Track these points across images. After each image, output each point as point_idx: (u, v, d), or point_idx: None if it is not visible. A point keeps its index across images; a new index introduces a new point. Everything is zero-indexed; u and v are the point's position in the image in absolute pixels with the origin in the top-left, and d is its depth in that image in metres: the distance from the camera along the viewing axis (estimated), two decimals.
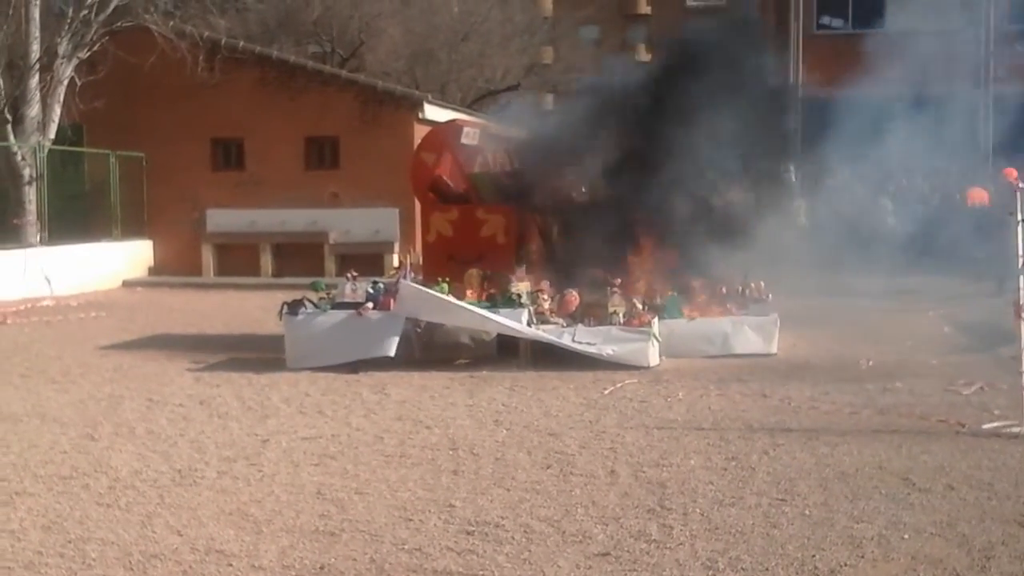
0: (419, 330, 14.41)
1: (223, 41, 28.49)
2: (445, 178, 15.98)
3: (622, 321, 14.13)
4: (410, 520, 7.69)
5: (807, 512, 7.72)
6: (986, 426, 10.28)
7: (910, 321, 17.97)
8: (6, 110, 25.33)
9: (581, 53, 55.06)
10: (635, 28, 71.56)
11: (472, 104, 42.50)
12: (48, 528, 7.60)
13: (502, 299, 14.28)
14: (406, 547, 7.11)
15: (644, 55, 66.49)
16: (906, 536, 7.21)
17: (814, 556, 6.85)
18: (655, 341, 14.05)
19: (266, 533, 7.43)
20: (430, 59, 44.61)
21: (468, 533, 7.37)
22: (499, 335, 14.27)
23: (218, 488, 8.60)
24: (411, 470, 9.09)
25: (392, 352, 13.95)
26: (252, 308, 20.86)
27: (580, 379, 13.10)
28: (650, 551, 7.01)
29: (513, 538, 7.27)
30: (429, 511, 7.89)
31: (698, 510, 7.84)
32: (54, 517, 7.85)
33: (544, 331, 14.01)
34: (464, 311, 14.03)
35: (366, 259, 25.52)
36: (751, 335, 14.76)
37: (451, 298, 14.13)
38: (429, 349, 14.59)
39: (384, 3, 43.76)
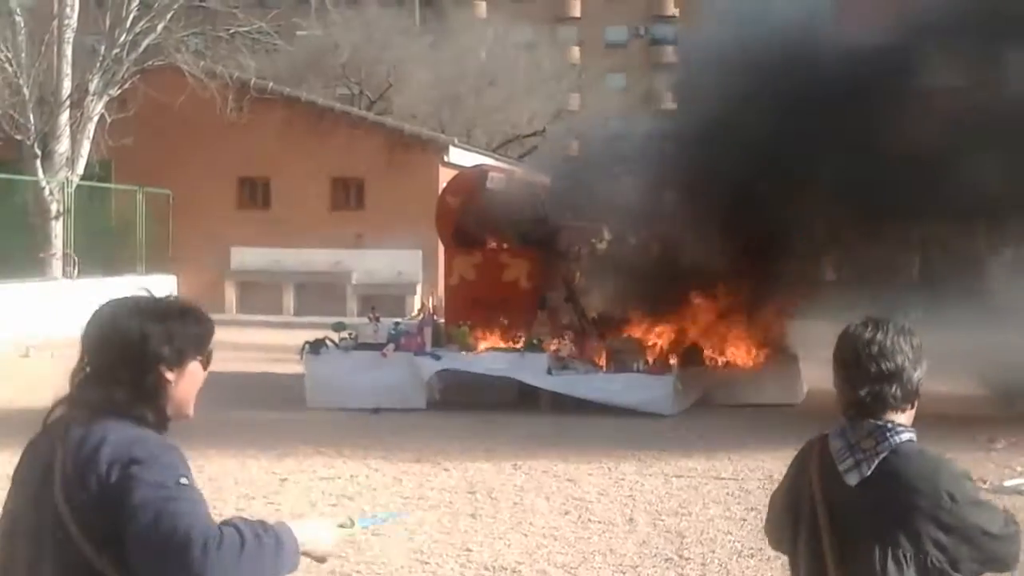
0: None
1: (252, 81, 28.74)
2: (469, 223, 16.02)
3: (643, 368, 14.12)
4: (427, 563, 7.67)
5: None
6: (1008, 483, 10.21)
7: None
8: (36, 145, 25.55)
9: (608, 100, 55.34)
10: (661, 77, 71.84)
11: (498, 148, 42.71)
12: None
13: (527, 345, 14.30)
14: None
15: (670, 103, 66.78)
16: None
17: None
18: (678, 388, 14.02)
19: None
20: (457, 103, 44.89)
21: None
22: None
23: None
24: (429, 512, 9.07)
25: (423, 404, 14.01)
26: (273, 346, 20.90)
27: (600, 425, 13.07)
28: None
29: None
30: (446, 555, 7.88)
31: (716, 561, 7.80)
32: None
33: (564, 379, 13.99)
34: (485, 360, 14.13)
35: (389, 300, 25.63)
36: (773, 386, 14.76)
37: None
38: (449, 391, 14.60)
39: (413, 47, 44.13)
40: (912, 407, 3.32)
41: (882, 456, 3.17)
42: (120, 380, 2.91)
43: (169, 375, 2.99)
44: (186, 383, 3.06)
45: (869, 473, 3.16)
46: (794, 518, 3.37)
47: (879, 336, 3.26)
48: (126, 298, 3.09)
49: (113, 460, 2.77)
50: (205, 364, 3.12)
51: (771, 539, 3.71)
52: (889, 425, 3.23)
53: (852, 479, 3.19)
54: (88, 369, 2.99)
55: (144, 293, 3.08)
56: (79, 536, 2.75)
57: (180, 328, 3.02)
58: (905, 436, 3.22)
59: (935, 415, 13.86)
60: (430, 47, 45.46)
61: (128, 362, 2.92)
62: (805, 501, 3.31)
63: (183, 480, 2.82)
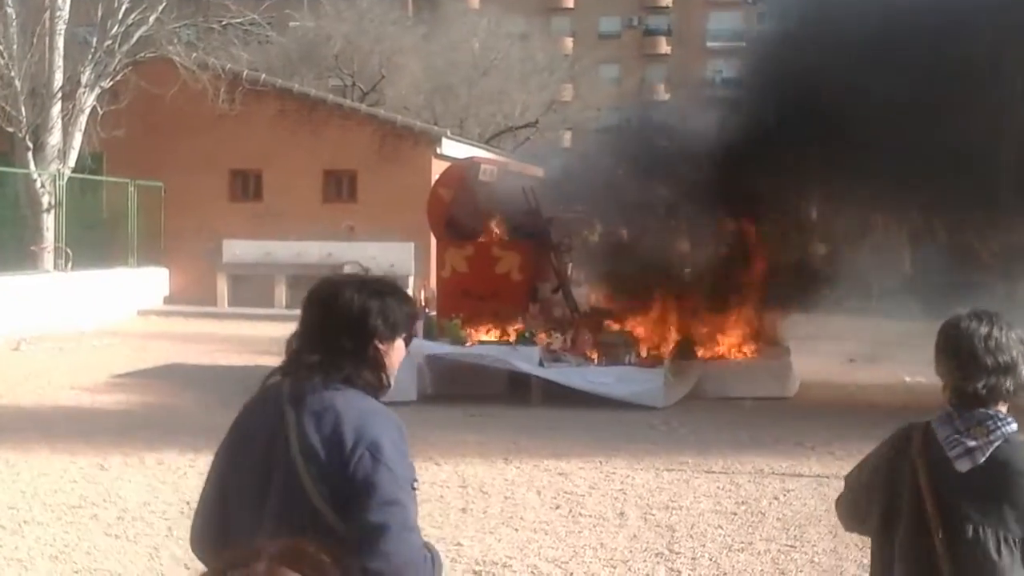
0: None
1: (244, 73, 28.65)
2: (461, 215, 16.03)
3: (634, 360, 14.14)
4: None
5: (816, 560, 7.69)
6: None
7: None
8: (27, 137, 25.46)
9: (601, 91, 55.31)
10: (654, 68, 71.86)
11: (490, 140, 42.68)
12: (56, 558, 7.61)
13: (519, 338, 14.31)
14: None
15: (662, 95, 66.81)
16: None
17: None
18: (669, 380, 14.03)
19: None
20: (449, 94, 44.84)
21: (475, 573, 7.36)
22: (511, 372, 14.28)
23: None
24: (420, 507, 9.03)
25: (414, 396, 14.02)
26: (266, 339, 20.84)
27: (591, 418, 13.08)
28: None
29: None
30: (437, 549, 7.87)
31: (707, 555, 7.81)
32: (62, 547, 7.86)
33: (556, 370, 14.00)
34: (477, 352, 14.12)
35: None
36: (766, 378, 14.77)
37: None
38: (440, 385, 14.59)
39: (405, 38, 44.05)
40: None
41: (995, 445, 3.30)
42: (343, 350, 3.19)
43: (382, 347, 3.26)
44: (394, 356, 3.33)
45: (983, 461, 3.29)
46: (887, 501, 3.48)
47: (994, 331, 3.39)
48: (348, 275, 3.47)
49: (357, 437, 3.07)
50: (407, 341, 3.38)
51: (849, 519, 3.82)
52: (999, 415, 3.37)
53: (963, 466, 3.32)
54: (309, 339, 3.25)
55: (361, 272, 3.39)
56: (312, 490, 3.04)
57: (395, 305, 3.30)
58: (1013, 426, 3.37)
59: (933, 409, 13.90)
60: (423, 38, 45.40)
61: (350, 333, 3.20)
62: (905, 485, 3.43)
63: (415, 484, 3.18)
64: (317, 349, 3.22)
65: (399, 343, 3.33)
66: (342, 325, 3.22)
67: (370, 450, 3.08)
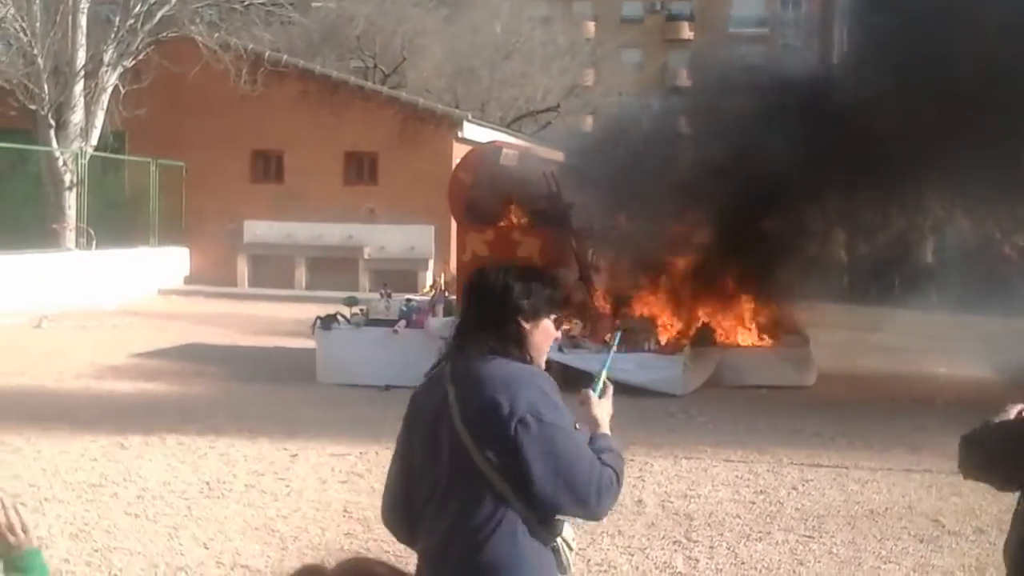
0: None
1: (267, 54, 28.64)
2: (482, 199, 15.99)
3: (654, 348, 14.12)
4: None
5: (834, 551, 7.67)
6: None
7: None
8: (50, 115, 25.55)
9: (623, 76, 55.14)
10: (677, 53, 71.57)
11: (512, 124, 42.59)
12: (76, 536, 7.65)
13: None
14: None
15: (684, 80, 66.52)
16: None
17: None
18: (688, 367, 14.01)
19: (292, 550, 7.44)
20: (471, 77, 44.76)
21: None
22: None
23: (245, 502, 8.63)
24: None
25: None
26: (285, 320, 20.93)
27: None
28: None
29: None
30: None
31: (724, 544, 7.80)
32: (82, 525, 7.90)
33: (576, 355, 13.98)
34: None
35: (400, 275, 25.60)
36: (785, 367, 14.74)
37: None
38: None
39: (427, 21, 43.93)
40: None
41: None
42: (490, 326, 3.50)
43: (526, 326, 3.53)
44: (540, 335, 3.59)
45: None
46: None
47: None
48: (500, 261, 3.84)
49: (511, 402, 3.34)
50: (558, 324, 3.66)
51: (981, 472, 4.04)
52: None
53: None
54: (464, 320, 3.62)
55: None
56: (479, 458, 3.33)
57: (538, 288, 3.58)
58: None
59: (954, 400, 13.87)
60: (445, 20, 45.27)
61: (495, 310, 3.52)
62: None
63: (577, 425, 3.44)
64: (473, 327, 3.55)
65: (545, 323, 3.60)
66: (489, 304, 3.55)
67: (526, 411, 3.35)
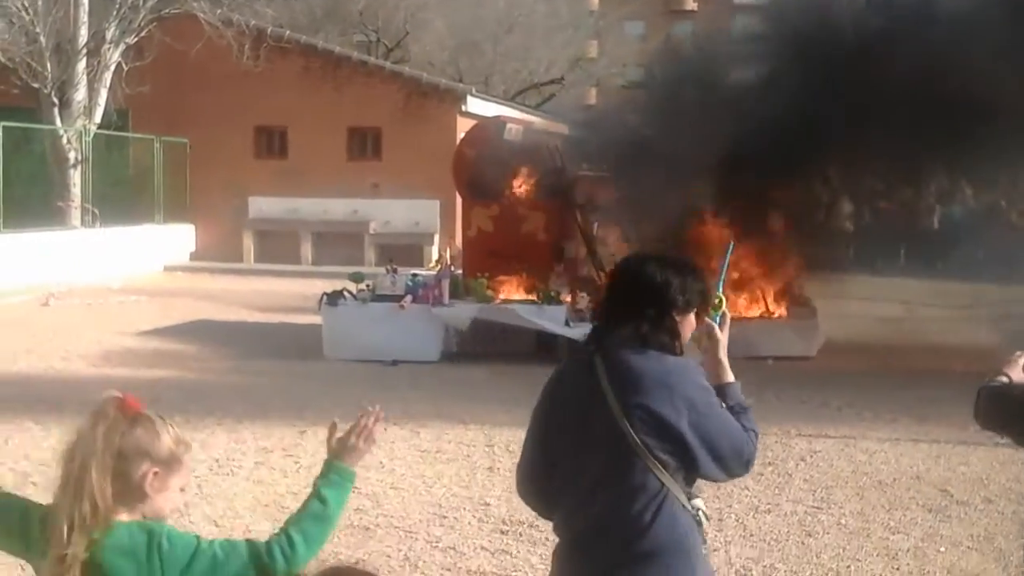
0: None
1: (269, 30, 28.58)
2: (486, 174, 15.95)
3: None
4: (444, 517, 7.72)
5: (843, 521, 7.69)
6: None
7: None
8: (53, 94, 25.53)
9: (626, 48, 54.95)
10: (681, 24, 71.29)
11: (515, 97, 42.49)
12: None
13: (545, 297, 14.30)
14: (440, 545, 7.14)
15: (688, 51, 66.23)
16: (942, 549, 7.16)
17: (849, 567, 6.82)
18: (694, 340, 13.99)
19: None
20: (474, 51, 44.64)
21: (502, 532, 7.39)
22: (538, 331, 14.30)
23: (255, 479, 8.66)
24: (447, 466, 9.12)
25: (436, 356, 14.06)
26: (291, 296, 20.96)
27: None
28: None
29: (547, 539, 7.25)
30: (464, 508, 7.92)
31: (733, 516, 7.82)
32: None
33: (583, 330, 14.00)
34: (504, 311, 14.13)
35: (406, 250, 25.63)
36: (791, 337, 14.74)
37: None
38: (465, 343, 14.62)
39: None
40: None
41: None
42: (646, 318, 3.57)
43: (678, 319, 3.62)
44: (685, 328, 3.67)
45: None
46: None
47: None
48: (652, 253, 3.81)
49: (670, 393, 3.47)
50: (698, 318, 3.73)
51: (998, 427, 4.22)
52: None
53: None
54: (615, 309, 3.65)
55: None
56: (638, 446, 3.45)
57: (692, 283, 3.64)
58: None
59: (962, 370, 13.85)
60: None
61: (653, 303, 3.58)
62: None
63: (722, 404, 3.59)
64: (624, 318, 3.60)
65: (691, 317, 3.67)
66: (646, 296, 3.59)
67: (686, 402, 3.47)
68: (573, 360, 3.80)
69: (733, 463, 3.58)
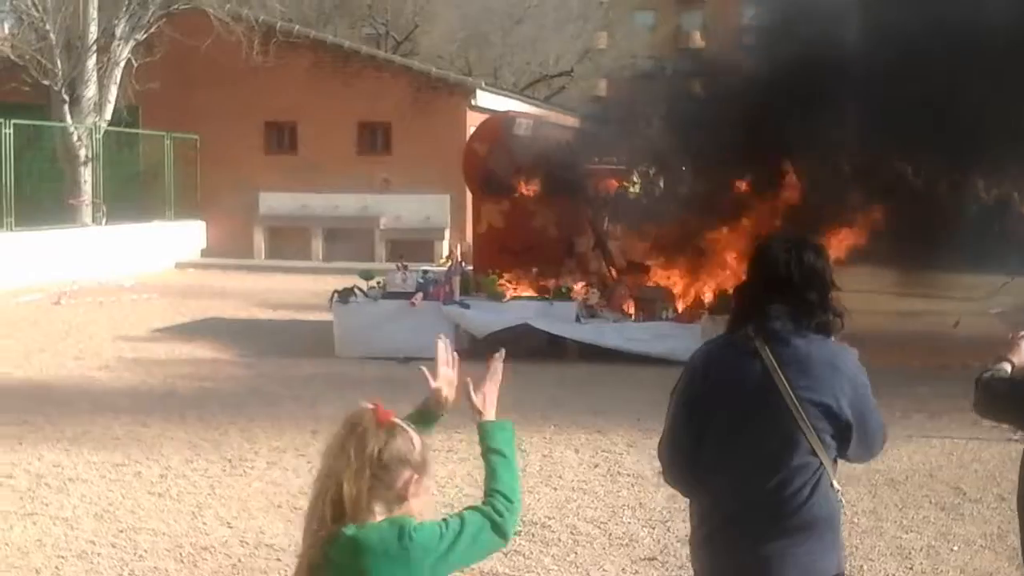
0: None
1: (278, 25, 28.57)
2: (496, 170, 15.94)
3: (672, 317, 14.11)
4: None
5: (856, 520, 7.68)
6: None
7: None
8: (63, 91, 25.58)
9: (636, 39, 54.85)
10: (690, 14, 71.12)
11: (525, 89, 42.44)
12: (100, 516, 7.70)
13: (555, 294, 14.29)
14: None
15: (698, 42, 66.13)
16: (955, 548, 7.15)
17: (862, 567, 6.81)
18: (706, 337, 13.98)
19: None
20: (484, 43, 44.60)
21: (515, 533, 7.38)
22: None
23: (268, 479, 8.68)
24: (458, 465, 9.11)
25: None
26: (303, 292, 20.99)
27: (629, 374, 13.07)
28: None
29: (559, 539, 7.29)
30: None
31: None
32: (106, 505, 7.96)
33: (593, 326, 14.00)
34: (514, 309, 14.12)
35: (416, 245, 25.65)
36: None
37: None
38: (477, 340, 14.61)
39: None
40: None
41: None
42: (810, 301, 3.75)
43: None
44: None
45: None
46: None
47: None
48: (793, 238, 3.93)
49: (834, 374, 3.70)
50: None
51: (999, 412, 4.47)
52: None
53: None
54: (772, 293, 3.77)
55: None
56: (804, 424, 3.64)
57: (830, 265, 3.87)
58: None
59: (975, 364, 13.76)
60: None
61: (815, 287, 3.77)
62: None
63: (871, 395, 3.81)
64: (785, 301, 3.74)
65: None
66: (808, 280, 3.75)
67: (847, 384, 3.71)
68: (725, 345, 3.88)
69: (876, 445, 3.87)
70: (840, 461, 3.83)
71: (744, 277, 3.95)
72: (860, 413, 3.72)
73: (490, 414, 3.49)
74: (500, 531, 3.19)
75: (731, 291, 4.14)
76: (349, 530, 3.01)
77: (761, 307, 3.76)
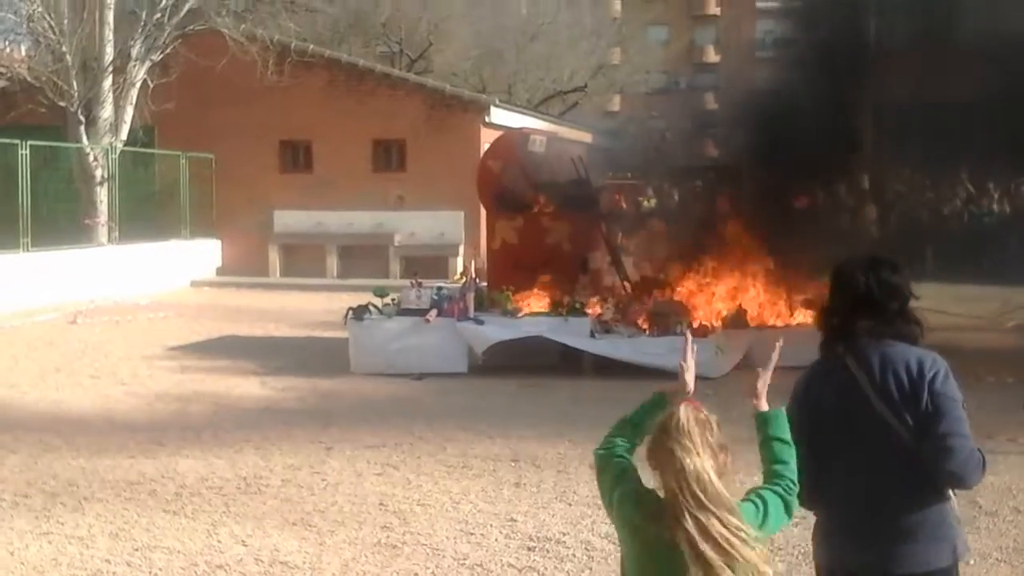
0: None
1: (293, 44, 28.67)
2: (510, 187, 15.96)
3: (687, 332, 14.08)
4: (471, 534, 7.71)
5: None
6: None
7: None
8: (79, 111, 25.71)
9: (649, 54, 54.94)
10: (703, 29, 71.24)
11: (539, 106, 42.51)
12: (116, 535, 7.72)
13: (569, 309, 14.28)
14: (467, 562, 7.14)
15: (712, 57, 66.23)
16: (971, 562, 7.10)
17: None
18: (720, 351, 13.96)
19: (329, 545, 7.49)
20: (498, 60, 44.71)
21: (529, 549, 7.39)
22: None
23: (282, 497, 8.69)
24: (473, 482, 9.12)
25: (464, 368, 14.08)
26: (317, 310, 21.02)
27: (644, 389, 13.01)
28: None
29: (574, 555, 7.28)
30: (491, 525, 7.92)
31: None
32: (122, 524, 7.97)
33: (608, 341, 13.99)
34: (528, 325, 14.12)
35: (431, 262, 25.67)
36: None
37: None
38: (492, 355, 14.62)
39: (453, 4, 43.91)
40: None
41: None
42: (891, 312, 4.04)
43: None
44: None
45: None
46: None
47: None
48: (868, 256, 4.20)
49: (920, 377, 3.90)
50: None
51: None
52: None
53: None
54: (856, 308, 4.04)
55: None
56: (896, 425, 3.89)
57: (907, 278, 4.12)
58: None
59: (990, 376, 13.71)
60: (469, 3, 45.21)
61: (895, 299, 4.06)
62: None
63: (964, 404, 3.93)
64: (869, 317, 4.02)
65: None
66: (886, 295, 4.04)
67: (932, 382, 3.89)
68: (820, 366, 4.19)
69: (956, 438, 3.88)
70: None
71: (826, 300, 4.23)
72: (952, 423, 3.88)
73: (765, 404, 3.81)
74: (789, 512, 3.52)
75: (817, 314, 4.30)
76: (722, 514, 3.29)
77: (848, 326, 4.05)
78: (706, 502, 3.26)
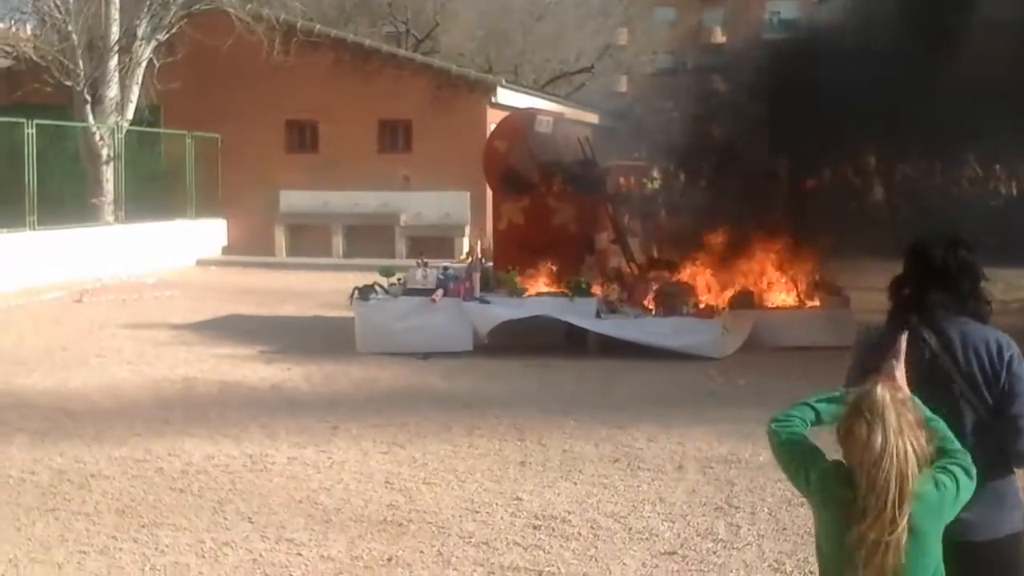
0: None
1: (299, 24, 28.62)
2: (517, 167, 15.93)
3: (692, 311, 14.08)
4: (477, 512, 7.73)
5: None
6: None
7: None
8: (86, 91, 25.70)
9: (656, 35, 54.74)
10: (711, 10, 70.97)
11: (545, 86, 42.40)
12: (122, 512, 7.74)
13: (575, 289, 14.27)
14: (473, 540, 7.15)
15: (719, 38, 65.99)
16: None
17: None
18: (725, 331, 13.96)
19: (335, 522, 7.50)
20: (504, 40, 44.55)
21: (535, 528, 7.40)
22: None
23: (288, 475, 8.70)
24: (479, 460, 9.13)
25: (470, 347, 14.08)
26: (323, 290, 21.02)
27: (648, 369, 13.07)
28: (717, 551, 7.00)
29: (580, 534, 7.28)
30: (496, 503, 7.93)
31: (766, 509, 7.80)
32: (128, 501, 7.99)
33: (614, 321, 13.99)
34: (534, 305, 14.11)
35: (436, 242, 25.65)
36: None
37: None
38: (497, 335, 14.62)
39: None
40: None
41: None
42: (964, 290, 4.12)
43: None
44: None
45: None
46: None
47: None
48: (944, 234, 4.26)
49: (998, 355, 4.00)
50: None
51: None
52: None
53: None
54: (931, 284, 4.12)
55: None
56: (974, 400, 3.98)
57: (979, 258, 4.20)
58: None
59: None
60: None
61: (968, 278, 4.14)
62: None
63: None
64: (941, 289, 4.10)
65: None
66: (962, 272, 4.12)
67: (1010, 363, 4.00)
68: (890, 332, 4.12)
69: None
70: None
71: (901, 272, 4.28)
72: (1012, 388, 3.98)
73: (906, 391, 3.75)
74: (971, 476, 3.54)
75: (889, 286, 4.29)
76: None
77: (921, 298, 4.12)
78: (904, 484, 3.35)
